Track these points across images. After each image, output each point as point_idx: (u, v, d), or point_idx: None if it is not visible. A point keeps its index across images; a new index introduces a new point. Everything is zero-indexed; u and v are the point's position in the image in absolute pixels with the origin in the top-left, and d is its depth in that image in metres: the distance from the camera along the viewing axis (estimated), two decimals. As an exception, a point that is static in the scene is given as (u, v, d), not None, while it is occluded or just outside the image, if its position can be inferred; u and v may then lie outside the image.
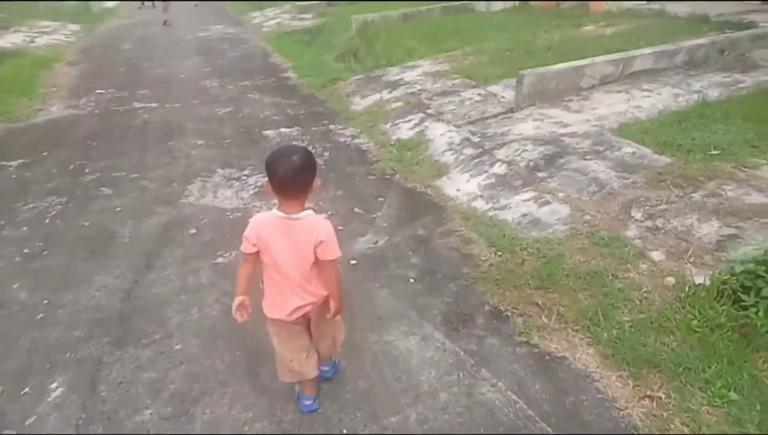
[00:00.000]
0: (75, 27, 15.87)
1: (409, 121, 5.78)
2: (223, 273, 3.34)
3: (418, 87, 6.79)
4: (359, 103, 6.77)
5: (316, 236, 1.94)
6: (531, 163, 4.24)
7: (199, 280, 3.29)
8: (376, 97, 6.81)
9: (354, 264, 3.38)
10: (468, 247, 3.46)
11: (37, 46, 12.31)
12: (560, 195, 3.77)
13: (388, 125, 5.85)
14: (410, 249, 3.52)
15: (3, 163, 5.39)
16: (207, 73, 9.27)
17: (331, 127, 6.15)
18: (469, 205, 3.99)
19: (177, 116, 6.80)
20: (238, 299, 2.11)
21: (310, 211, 1.98)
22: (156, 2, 17.09)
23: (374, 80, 7.57)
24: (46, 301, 3.15)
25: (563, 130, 4.75)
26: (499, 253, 3.33)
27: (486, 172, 4.32)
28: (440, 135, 5.22)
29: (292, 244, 1.98)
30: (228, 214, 4.15)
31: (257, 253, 2.02)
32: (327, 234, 1.96)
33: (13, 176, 5.06)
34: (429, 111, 5.88)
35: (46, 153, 5.63)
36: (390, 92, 6.85)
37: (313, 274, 2.04)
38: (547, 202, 3.72)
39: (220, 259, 3.52)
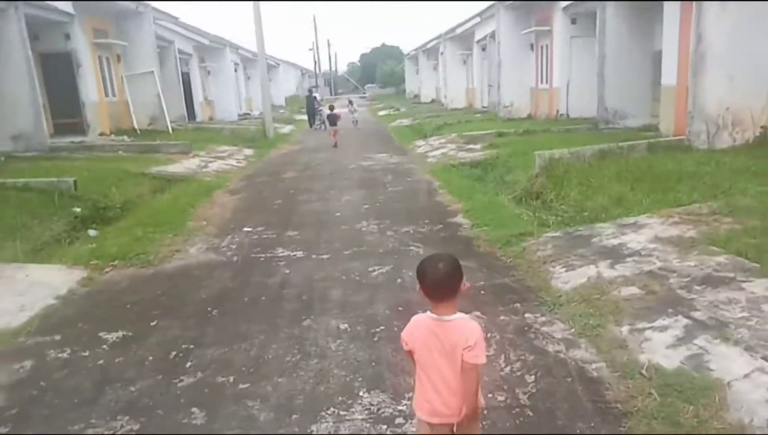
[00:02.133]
0: (249, 151, 16.44)
1: (664, 328, 3.61)
2: None
3: (657, 262, 4.63)
4: (565, 279, 4.77)
5: (465, 339, 2.02)
6: None
7: None
8: (591, 271, 4.77)
9: None
10: None
11: (208, 171, 12.47)
12: None
13: (624, 329, 3.73)
14: None
15: (102, 333, 4.21)
16: (365, 213, 8.04)
17: (529, 317, 4.18)
18: None
19: (322, 275, 5.38)
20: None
21: (461, 314, 2.11)
22: (326, 125, 17.79)
23: (580, 241, 5.58)
24: None
25: None
26: None
27: None
28: (745, 376, 2.96)
29: (442, 344, 2.07)
30: None
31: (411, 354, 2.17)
32: (477, 338, 2.04)
33: (100, 362, 3.78)
34: (696, 314, 3.67)
35: (155, 322, 4.40)
36: (611, 265, 4.77)
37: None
38: None
39: None
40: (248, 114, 32.87)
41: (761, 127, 8.85)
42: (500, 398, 3.13)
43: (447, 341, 2.06)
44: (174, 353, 3.86)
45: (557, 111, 17.88)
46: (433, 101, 39.15)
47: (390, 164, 13.10)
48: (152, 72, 19.36)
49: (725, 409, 2.77)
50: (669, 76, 11.07)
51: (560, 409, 3.00)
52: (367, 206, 8.48)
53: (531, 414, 2.98)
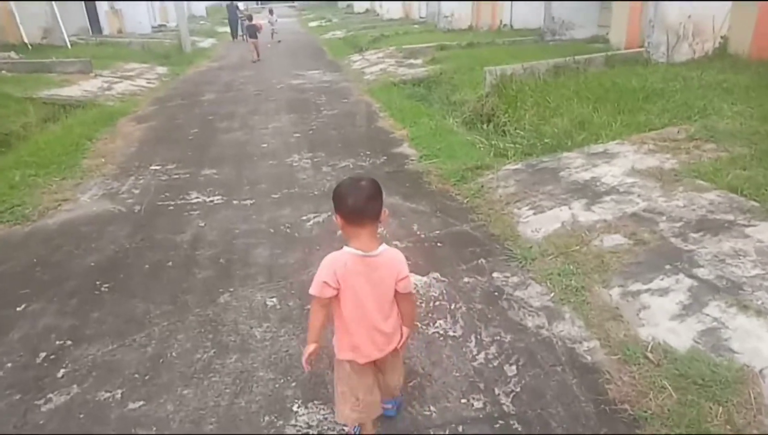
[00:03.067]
0: (162, 70, 14.52)
1: (665, 291, 2.97)
2: None
3: (640, 202, 3.98)
4: (534, 225, 4.05)
5: (397, 272, 1.94)
6: None
7: None
8: (564, 214, 4.07)
9: None
10: None
11: (112, 94, 10.76)
12: None
13: (614, 293, 3.08)
14: None
15: (-55, 328, 3.15)
16: (296, 143, 6.97)
17: (498, 277, 3.47)
18: None
19: (245, 228, 4.42)
20: (310, 347, 1.97)
21: (385, 246, 1.95)
22: (246, 36, 16.98)
23: (546, 175, 4.85)
24: None
25: None
26: None
27: None
28: (777, 361, 2.38)
29: (372, 282, 1.92)
30: None
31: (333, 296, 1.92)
32: (406, 268, 1.96)
33: (-66, 377, 2.77)
34: (700, 272, 3.05)
35: (22, 306, 3.36)
36: (587, 206, 4.09)
37: (391, 311, 2.00)
38: None
39: None
40: (164, 26, 29.63)
41: (721, 37, 8.26)
42: (477, 404, 2.42)
43: (376, 277, 1.92)
44: (43, 355, 2.89)
45: (500, 21, 16.80)
46: (367, 11, 36.77)
47: (323, 83, 11.81)
48: (40, -27, 16.45)
49: (765, 411, 2.18)
50: (624, -20, 10.19)
51: (555, 417, 2.33)
52: (298, 135, 7.39)
53: (519, 428, 2.29)
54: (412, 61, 12.97)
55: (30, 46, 15.93)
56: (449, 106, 8.63)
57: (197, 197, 5.15)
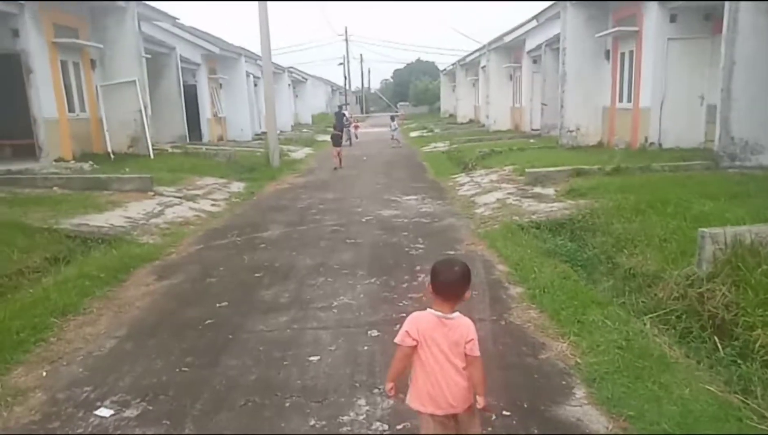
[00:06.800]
0: (238, 187, 12.61)
1: None
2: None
3: None
4: None
5: (466, 334, 2.34)
6: None
7: None
8: None
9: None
10: None
11: (158, 223, 8.54)
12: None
13: None
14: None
15: None
16: (370, 355, 3.92)
17: None
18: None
19: None
20: (389, 384, 2.48)
21: (458, 313, 2.38)
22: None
23: None
24: None
25: None
26: None
27: None
28: None
29: (447, 339, 2.33)
30: None
31: (414, 347, 2.35)
32: (473, 332, 2.36)
33: None
34: None
35: None
36: None
37: (463, 369, 2.36)
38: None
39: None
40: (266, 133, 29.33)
41: None
42: None
43: (451, 337, 2.32)
44: None
45: (645, 138, 13.51)
46: (470, 121, 35.03)
47: (422, 216, 8.98)
48: (134, 81, 15.82)
49: None
50: None
51: None
52: (376, 332, 4.35)
53: None
54: (539, 190, 9.90)
55: (113, 156, 14.93)
56: (622, 281, 5.34)
57: None
